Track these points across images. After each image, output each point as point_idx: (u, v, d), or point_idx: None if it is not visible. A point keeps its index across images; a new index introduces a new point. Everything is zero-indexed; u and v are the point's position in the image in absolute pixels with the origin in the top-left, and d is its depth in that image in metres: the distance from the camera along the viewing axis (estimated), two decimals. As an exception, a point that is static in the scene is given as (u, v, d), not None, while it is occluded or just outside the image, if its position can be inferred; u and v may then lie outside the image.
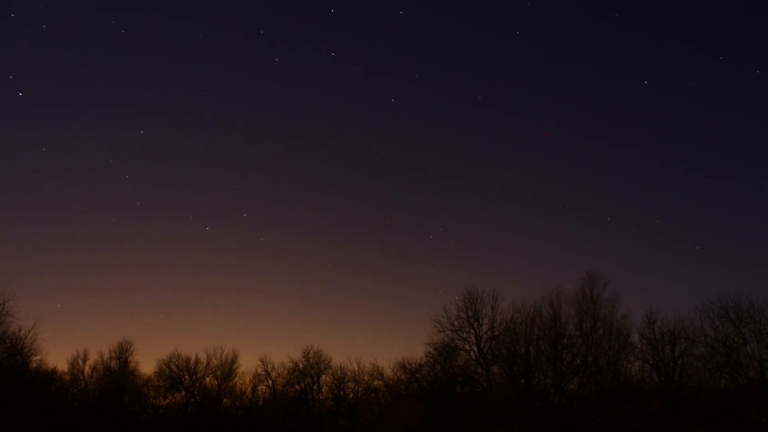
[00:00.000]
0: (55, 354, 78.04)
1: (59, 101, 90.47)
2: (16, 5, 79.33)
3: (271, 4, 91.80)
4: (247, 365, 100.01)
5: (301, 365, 65.52)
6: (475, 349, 51.94)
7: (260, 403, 67.94)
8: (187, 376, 67.27)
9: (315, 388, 65.13)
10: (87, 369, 66.68)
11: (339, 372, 64.76)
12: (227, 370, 67.29)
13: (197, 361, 67.73)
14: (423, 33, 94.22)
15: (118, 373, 65.37)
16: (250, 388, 68.79)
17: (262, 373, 68.19)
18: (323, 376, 65.44)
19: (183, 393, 67.08)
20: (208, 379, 67.71)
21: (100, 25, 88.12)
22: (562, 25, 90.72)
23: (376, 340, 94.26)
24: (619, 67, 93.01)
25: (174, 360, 67.27)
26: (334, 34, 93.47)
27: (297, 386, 65.04)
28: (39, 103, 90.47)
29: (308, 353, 65.83)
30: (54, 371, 64.61)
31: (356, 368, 64.28)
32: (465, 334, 52.36)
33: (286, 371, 66.55)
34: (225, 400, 67.41)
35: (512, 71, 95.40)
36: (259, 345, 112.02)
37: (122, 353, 66.45)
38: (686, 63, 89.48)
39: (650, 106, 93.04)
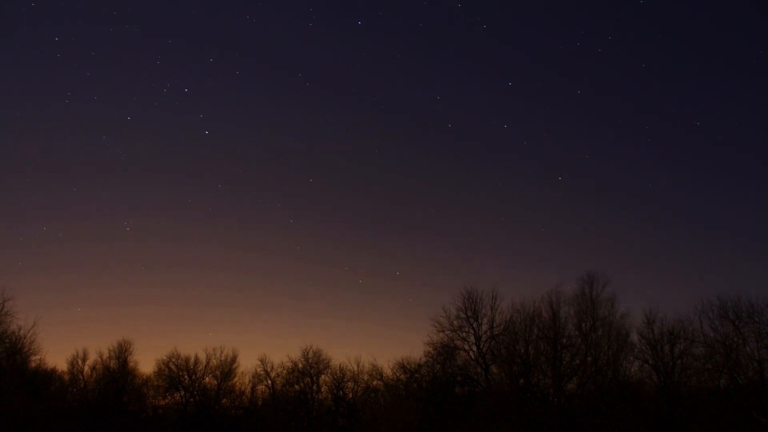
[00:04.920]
0: (55, 353, 77.90)
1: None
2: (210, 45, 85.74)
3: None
4: (247, 365, 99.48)
5: (300, 365, 65.46)
6: (475, 349, 51.97)
7: (259, 402, 67.85)
8: (186, 376, 67.23)
9: (314, 387, 65.03)
10: (86, 369, 66.75)
11: (338, 372, 64.66)
12: (226, 369, 67.26)
13: (196, 360, 67.81)
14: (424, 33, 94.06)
15: (118, 372, 65.32)
16: (249, 388, 68.74)
17: (262, 372, 68.18)
18: (322, 376, 65.36)
19: (182, 393, 67.03)
20: (207, 379, 67.75)
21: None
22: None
23: (376, 340, 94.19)
24: (620, 66, 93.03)
25: (173, 360, 67.32)
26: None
27: (296, 386, 64.92)
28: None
29: (307, 353, 65.81)
30: (53, 371, 64.61)
31: (355, 368, 64.19)
32: (464, 334, 52.43)
33: (285, 371, 66.49)
34: (224, 400, 67.36)
35: (509, 73, 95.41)
36: (259, 345, 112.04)
37: (121, 353, 66.43)
38: (687, 59, 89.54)
39: (650, 107, 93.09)
